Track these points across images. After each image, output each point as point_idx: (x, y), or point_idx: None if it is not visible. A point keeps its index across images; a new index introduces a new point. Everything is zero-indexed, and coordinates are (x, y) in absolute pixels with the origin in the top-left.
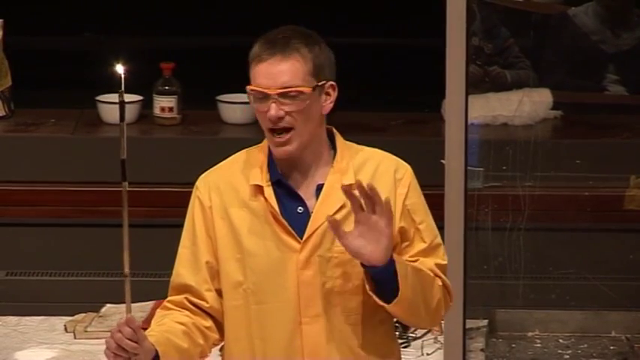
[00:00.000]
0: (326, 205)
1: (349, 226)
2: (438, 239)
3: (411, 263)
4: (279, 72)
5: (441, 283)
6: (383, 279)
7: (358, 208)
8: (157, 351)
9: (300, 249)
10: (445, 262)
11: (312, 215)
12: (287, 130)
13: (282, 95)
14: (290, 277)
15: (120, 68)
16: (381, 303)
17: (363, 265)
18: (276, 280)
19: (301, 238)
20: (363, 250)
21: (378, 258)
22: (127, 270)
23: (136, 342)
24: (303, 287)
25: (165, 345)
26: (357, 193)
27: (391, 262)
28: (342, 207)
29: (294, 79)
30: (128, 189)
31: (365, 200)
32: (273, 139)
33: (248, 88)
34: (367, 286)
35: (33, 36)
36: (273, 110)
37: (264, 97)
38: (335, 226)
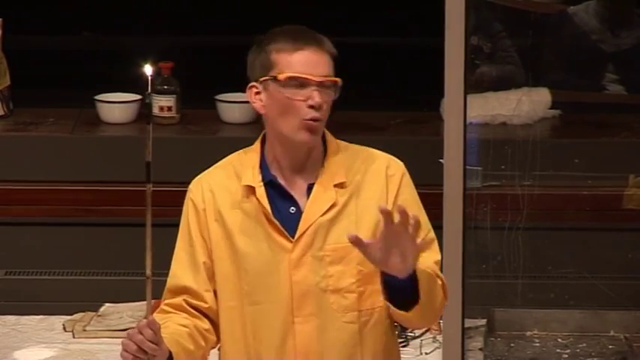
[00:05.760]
0: (317, 204)
1: (339, 226)
2: (432, 234)
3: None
4: (318, 61)
5: (440, 283)
6: (401, 287)
7: (390, 222)
8: (170, 352)
9: (292, 249)
10: (440, 258)
11: (303, 215)
12: (318, 120)
13: (322, 84)
14: (282, 277)
15: (148, 69)
16: (399, 311)
17: (383, 273)
18: (268, 281)
19: (293, 238)
20: (388, 262)
21: (403, 271)
22: (148, 271)
23: (156, 344)
24: (295, 287)
25: (177, 347)
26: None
27: (412, 273)
28: (332, 206)
29: (329, 70)
30: (127, 189)
31: (401, 218)
32: (306, 125)
33: (285, 75)
34: (382, 295)
35: (32, 35)
36: (318, 97)
37: (303, 85)
38: (357, 242)
